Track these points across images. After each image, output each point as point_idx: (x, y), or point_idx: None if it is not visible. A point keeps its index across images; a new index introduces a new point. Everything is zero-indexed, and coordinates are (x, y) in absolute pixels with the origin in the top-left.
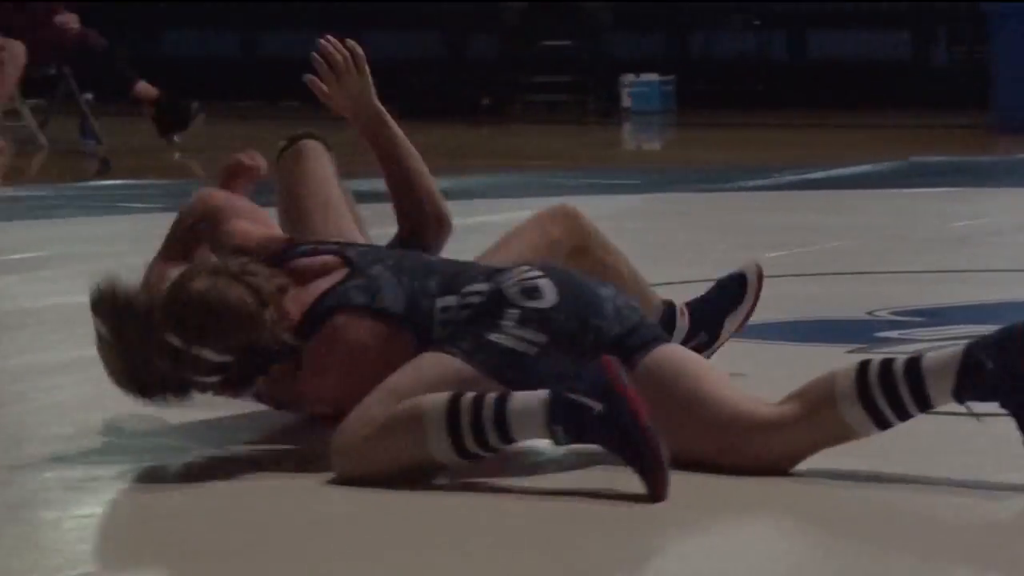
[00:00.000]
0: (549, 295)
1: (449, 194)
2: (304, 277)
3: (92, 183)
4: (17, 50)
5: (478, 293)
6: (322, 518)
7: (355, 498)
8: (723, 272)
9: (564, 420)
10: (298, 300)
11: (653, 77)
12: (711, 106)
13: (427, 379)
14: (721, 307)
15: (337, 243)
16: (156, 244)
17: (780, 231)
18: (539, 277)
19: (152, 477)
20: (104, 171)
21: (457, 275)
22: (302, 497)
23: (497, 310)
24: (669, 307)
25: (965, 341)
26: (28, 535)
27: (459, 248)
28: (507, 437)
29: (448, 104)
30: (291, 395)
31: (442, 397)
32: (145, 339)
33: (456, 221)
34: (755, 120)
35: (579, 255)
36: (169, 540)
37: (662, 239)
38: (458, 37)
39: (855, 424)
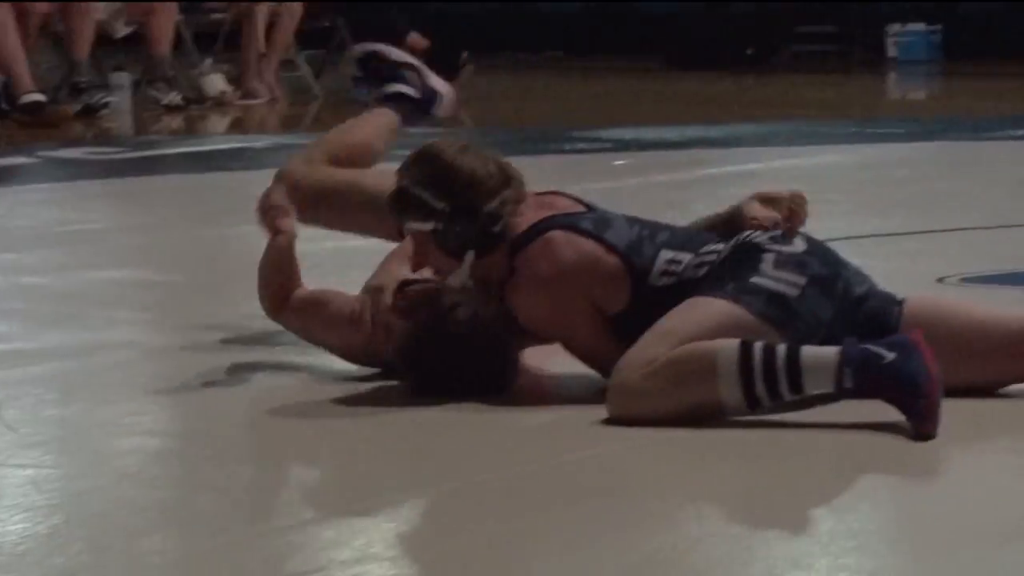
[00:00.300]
0: (798, 242)
1: (712, 143)
2: (543, 204)
3: None
4: (295, 4)
5: (716, 251)
6: None
7: None
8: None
9: (856, 363)
10: (530, 213)
11: (920, 27)
12: (978, 56)
13: (701, 321)
14: None
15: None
16: None
17: None
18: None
19: None
20: None
21: (693, 238)
22: None
23: (752, 256)
24: None
25: None
26: None
27: (725, 196)
28: (798, 386)
29: (712, 54)
30: (505, 316)
31: (733, 343)
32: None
33: (719, 170)
34: (1022, 70)
35: None
36: None
37: (928, 188)
38: None
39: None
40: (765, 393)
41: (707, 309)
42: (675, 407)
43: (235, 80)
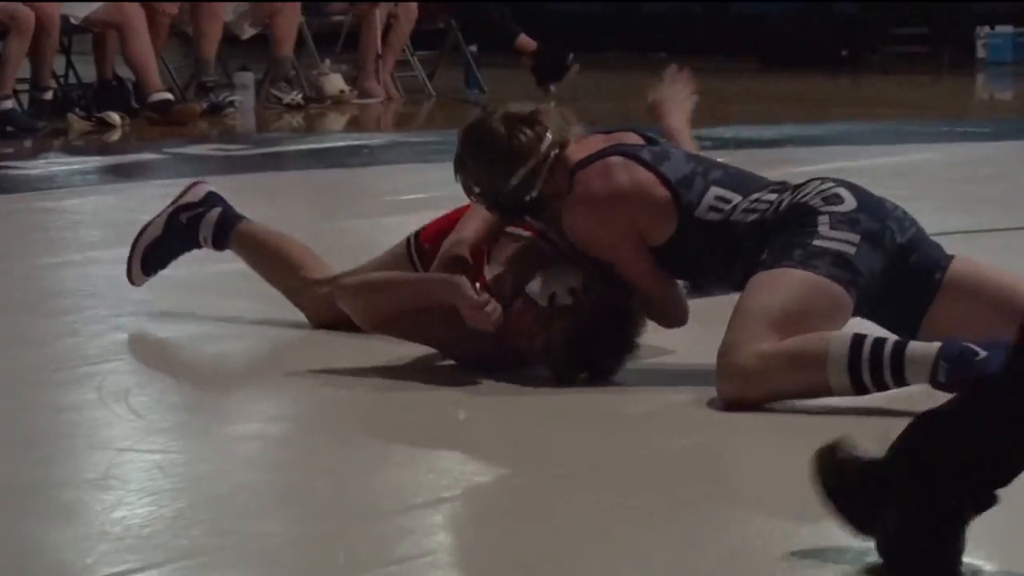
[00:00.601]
0: (849, 200)
1: (808, 141)
2: (608, 138)
3: None
4: (410, 5)
5: (768, 202)
6: None
7: None
8: None
9: (951, 359)
10: (595, 144)
11: (1008, 29)
12: None
13: (786, 293)
14: None
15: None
16: None
17: None
18: (836, 186)
19: None
20: None
21: (745, 182)
22: None
23: (808, 219)
24: None
25: None
26: None
27: None
28: (900, 377)
29: (807, 55)
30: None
31: (845, 337)
32: None
33: (814, 167)
34: None
35: None
36: None
37: (1014, 185)
38: None
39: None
40: (871, 381)
41: (788, 280)
42: (788, 390)
43: (352, 80)
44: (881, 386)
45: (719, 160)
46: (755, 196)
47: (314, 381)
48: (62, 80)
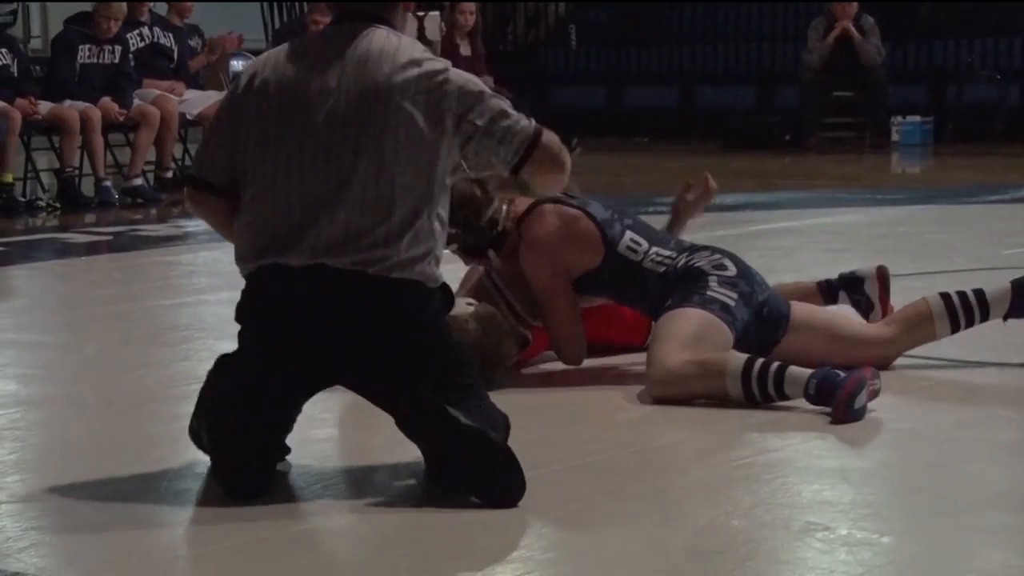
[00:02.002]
0: (731, 268)
1: (759, 206)
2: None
3: None
4: None
5: (670, 258)
6: None
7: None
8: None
9: (820, 379)
10: (521, 204)
11: (916, 119)
12: (961, 140)
13: (692, 324)
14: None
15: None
16: None
17: (1017, 234)
18: (722, 257)
19: None
20: None
21: (648, 231)
22: None
23: (702, 279)
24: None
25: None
26: None
27: (770, 245)
28: (780, 391)
29: (759, 139)
30: (517, 285)
31: (741, 357)
32: None
33: (766, 227)
34: (997, 151)
35: None
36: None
37: (924, 240)
38: (767, 89)
39: (941, 333)
40: (758, 392)
41: (693, 315)
42: (698, 393)
43: None
44: (766, 397)
45: (631, 212)
46: (656, 249)
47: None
48: (180, 162)
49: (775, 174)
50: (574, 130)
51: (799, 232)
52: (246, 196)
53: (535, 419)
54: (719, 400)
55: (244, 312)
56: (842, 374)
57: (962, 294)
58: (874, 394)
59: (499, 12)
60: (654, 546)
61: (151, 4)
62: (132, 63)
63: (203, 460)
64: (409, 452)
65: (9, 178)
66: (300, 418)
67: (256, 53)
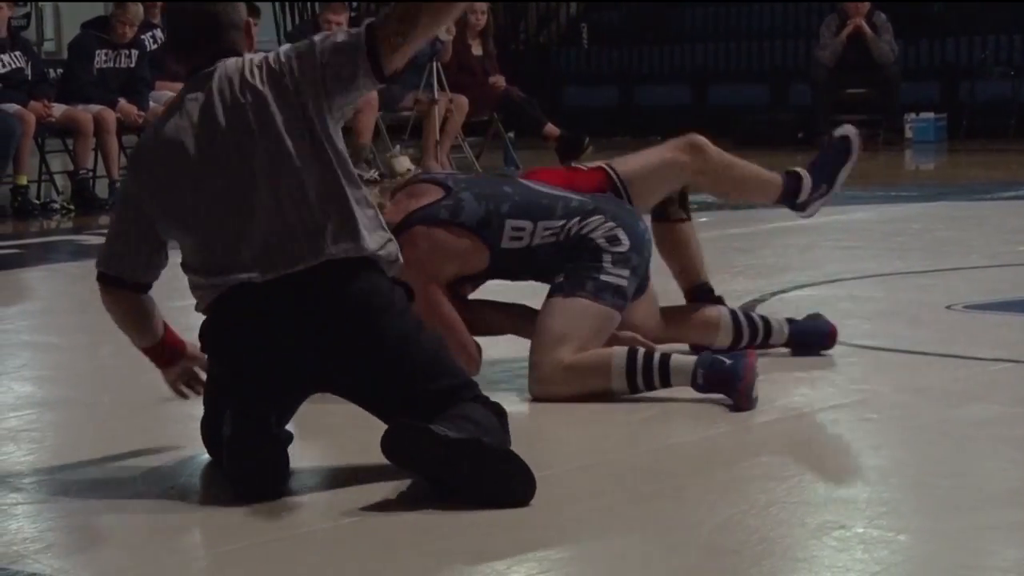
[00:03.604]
0: (625, 241)
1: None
2: (413, 194)
3: None
4: (462, 102)
5: (557, 228)
6: None
7: None
8: (996, 261)
9: (706, 367)
10: (399, 208)
11: (930, 115)
12: (974, 137)
13: (578, 319)
14: (835, 164)
15: (448, 174)
16: None
17: None
18: (616, 227)
19: None
20: None
21: (531, 208)
22: None
23: (596, 255)
24: (793, 174)
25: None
26: None
27: (784, 243)
28: (666, 381)
29: (772, 137)
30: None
31: (623, 351)
32: None
33: (780, 224)
34: (1010, 147)
35: (699, 175)
36: None
37: (936, 237)
38: (780, 87)
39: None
40: (643, 385)
41: (583, 310)
42: (581, 391)
43: (417, 160)
44: (650, 387)
45: (506, 189)
46: (543, 223)
47: None
48: None
49: None
50: (586, 129)
51: (813, 230)
52: (185, 254)
53: (547, 418)
54: (601, 396)
55: (220, 338)
56: (726, 360)
57: (749, 318)
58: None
59: (511, 12)
60: (670, 545)
61: (164, 6)
62: (147, 65)
63: (218, 460)
64: None
65: (23, 181)
66: (308, 418)
67: None
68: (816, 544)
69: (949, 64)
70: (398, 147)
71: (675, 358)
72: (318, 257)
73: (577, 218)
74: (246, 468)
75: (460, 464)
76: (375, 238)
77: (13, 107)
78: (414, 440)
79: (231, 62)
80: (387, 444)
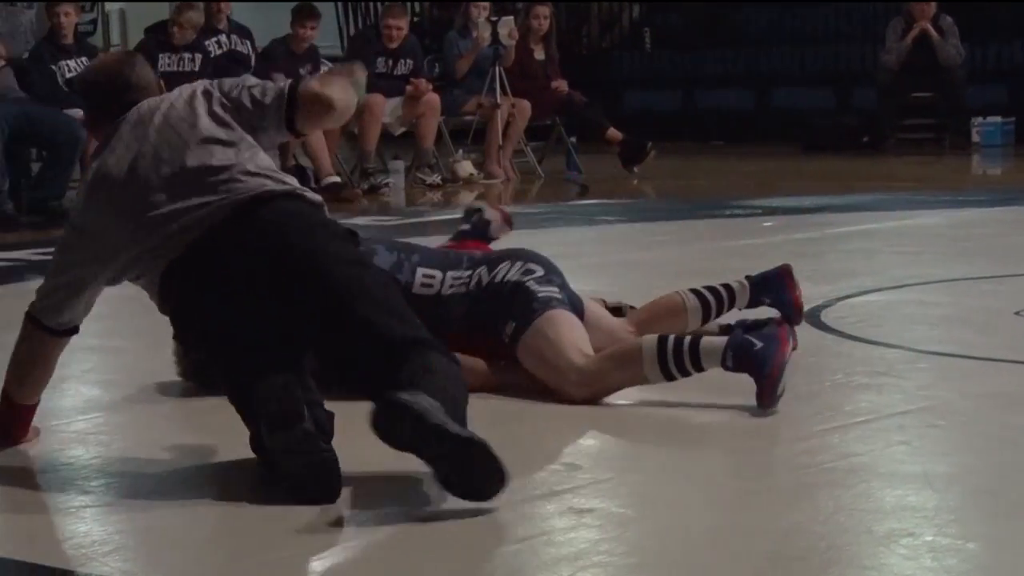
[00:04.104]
0: (538, 269)
1: (838, 208)
2: None
3: (575, 203)
4: (524, 106)
5: (465, 278)
6: None
7: None
8: None
9: (735, 349)
10: None
11: (997, 119)
12: None
13: (559, 326)
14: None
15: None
16: (617, 246)
17: None
18: (526, 262)
19: None
20: (583, 194)
21: (441, 260)
22: None
23: (520, 288)
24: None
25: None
26: None
27: (849, 248)
28: (698, 364)
29: (837, 141)
30: None
31: (652, 340)
32: None
33: (845, 229)
34: None
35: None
36: None
37: (1004, 242)
38: (845, 91)
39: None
40: (676, 370)
41: (552, 320)
42: (619, 384)
43: (479, 165)
44: (684, 372)
45: (415, 244)
46: (451, 274)
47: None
48: None
49: (853, 176)
50: (648, 134)
51: (878, 235)
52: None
53: (602, 425)
54: (638, 386)
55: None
56: (756, 343)
57: (711, 289)
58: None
59: (573, 16)
60: (735, 551)
61: (229, 11)
62: (210, 69)
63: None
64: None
65: None
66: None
67: (332, 59)
68: (884, 552)
69: (1017, 67)
70: (460, 152)
71: (705, 340)
72: (254, 189)
73: (484, 267)
74: (297, 477)
75: (447, 457)
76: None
77: (79, 112)
78: (405, 422)
79: (150, 100)
80: (379, 423)
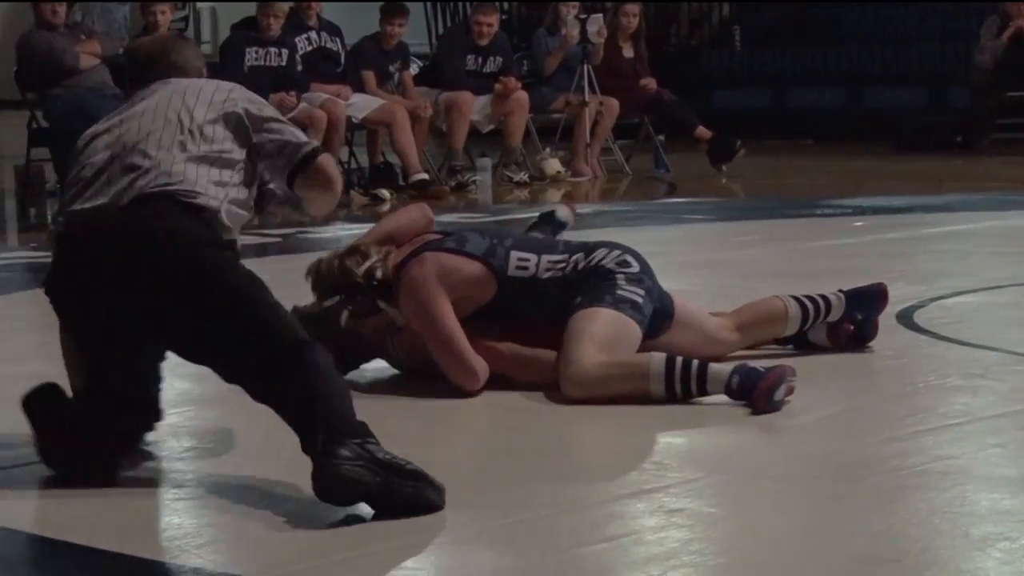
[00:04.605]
0: (635, 265)
1: (930, 208)
2: (416, 242)
3: (662, 201)
4: (612, 104)
5: (562, 261)
6: None
7: None
8: None
9: (742, 375)
10: (403, 251)
11: None
12: None
13: (603, 325)
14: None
15: (449, 232)
16: (705, 245)
17: None
18: (623, 253)
19: None
20: (671, 192)
21: (534, 244)
22: None
23: (609, 277)
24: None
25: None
26: None
27: (942, 249)
28: (703, 387)
29: (930, 141)
30: (402, 339)
31: (661, 358)
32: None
33: (938, 230)
34: None
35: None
36: None
37: None
38: (938, 90)
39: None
40: (680, 390)
41: (607, 316)
42: (616, 393)
43: (567, 163)
44: (688, 394)
45: (505, 230)
46: (546, 257)
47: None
48: (345, 165)
49: (945, 176)
50: (737, 132)
51: (971, 235)
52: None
53: (690, 424)
54: (638, 400)
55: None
56: (761, 369)
57: (810, 298)
58: (790, 390)
59: (662, 14)
60: (828, 553)
61: (319, 9)
62: (299, 66)
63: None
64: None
65: None
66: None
67: (420, 57)
68: (980, 556)
69: None
70: (548, 149)
71: (713, 366)
72: (130, 193)
73: (581, 253)
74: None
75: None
76: (211, 191)
77: None
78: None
79: (182, 78)
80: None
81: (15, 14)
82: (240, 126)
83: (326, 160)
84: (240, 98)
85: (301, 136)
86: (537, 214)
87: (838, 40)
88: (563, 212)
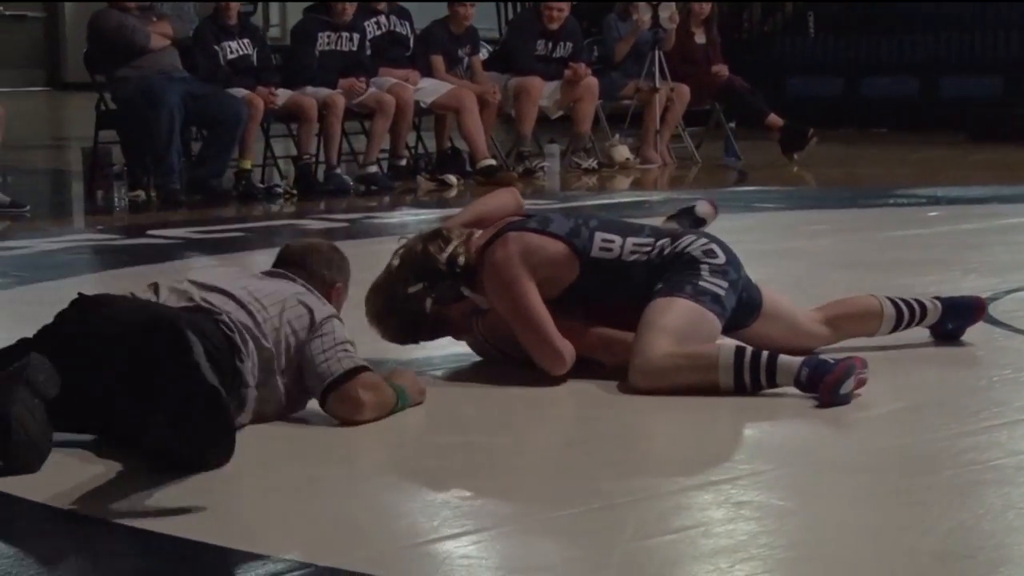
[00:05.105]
0: (720, 256)
1: (1005, 199)
2: (499, 225)
3: (733, 189)
4: (683, 91)
5: (648, 245)
6: None
7: None
8: None
9: (812, 368)
10: (485, 233)
11: None
12: None
13: (678, 317)
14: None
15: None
16: (777, 234)
17: None
18: (710, 243)
19: None
20: (742, 180)
21: (619, 226)
22: None
23: (693, 266)
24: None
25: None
26: None
27: (1017, 240)
28: (772, 380)
29: (1006, 131)
30: (487, 321)
31: (730, 349)
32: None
33: (1014, 220)
34: None
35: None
36: None
37: None
38: (1015, 79)
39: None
40: (750, 382)
41: (684, 307)
42: (686, 385)
43: (636, 150)
44: (757, 386)
45: (590, 213)
46: (632, 240)
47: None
48: (413, 150)
49: (1022, 167)
50: (810, 120)
51: None
52: None
53: (759, 416)
54: (708, 392)
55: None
56: (831, 361)
57: (906, 302)
58: (861, 383)
59: (735, 0)
60: (900, 548)
61: None
62: (369, 51)
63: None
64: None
65: (248, 165)
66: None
67: (490, 42)
68: None
69: None
70: (617, 136)
71: (783, 358)
72: None
73: (668, 239)
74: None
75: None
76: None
77: (242, 92)
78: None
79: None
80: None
81: (90, 5)
82: (303, 349)
83: (355, 391)
84: (320, 319)
85: (345, 361)
86: (676, 209)
87: (913, 28)
88: (703, 207)
